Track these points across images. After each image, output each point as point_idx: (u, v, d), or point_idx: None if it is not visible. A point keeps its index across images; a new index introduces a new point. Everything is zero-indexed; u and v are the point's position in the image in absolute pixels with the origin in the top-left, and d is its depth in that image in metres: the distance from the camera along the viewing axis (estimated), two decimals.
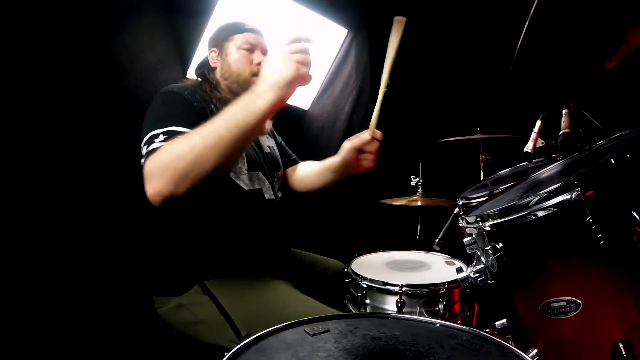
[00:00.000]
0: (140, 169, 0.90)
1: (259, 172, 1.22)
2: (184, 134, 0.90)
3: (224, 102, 1.16)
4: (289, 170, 1.46)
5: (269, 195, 1.23)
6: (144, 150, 0.91)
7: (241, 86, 1.20)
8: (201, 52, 1.67)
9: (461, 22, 2.37)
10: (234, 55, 1.21)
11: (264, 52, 1.24)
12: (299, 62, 0.84)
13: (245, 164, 1.17)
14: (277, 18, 1.87)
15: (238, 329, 1.01)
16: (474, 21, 2.33)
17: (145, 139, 0.92)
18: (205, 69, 1.26)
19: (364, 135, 1.16)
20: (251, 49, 1.22)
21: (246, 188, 1.16)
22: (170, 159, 0.83)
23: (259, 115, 0.83)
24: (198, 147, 0.81)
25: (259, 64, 1.20)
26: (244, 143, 0.86)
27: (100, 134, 1.38)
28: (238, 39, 1.22)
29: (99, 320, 1.36)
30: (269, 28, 1.29)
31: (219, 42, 1.24)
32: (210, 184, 0.85)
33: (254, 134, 0.87)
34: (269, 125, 1.38)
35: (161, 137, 0.90)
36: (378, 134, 1.16)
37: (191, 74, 1.68)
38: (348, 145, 1.20)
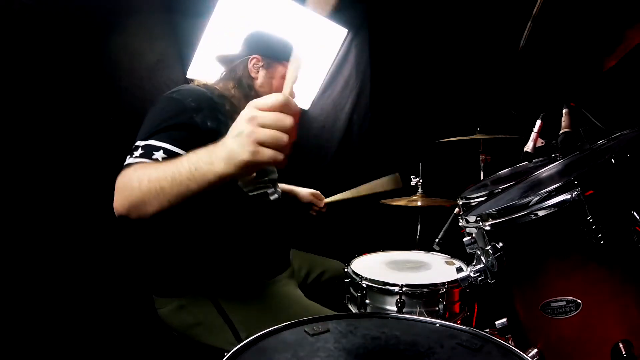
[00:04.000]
0: None
1: (266, 178, 1.21)
2: (160, 149, 0.89)
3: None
4: None
5: (274, 197, 1.23)
6: (126, 160, 0.89)
7: None
8: (201, 52, 1.67)
9: (461, 22, 2.36)
10: (279, 82, 1.18)
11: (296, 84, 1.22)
12: (261, 142, 0.62)
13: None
14: (277, 18, 1.86)
15: (237, 331, 1.01)
16: (474, 21, 2.33)
17: (133, 146, 0.91)
18: (241, 72, 1.19)
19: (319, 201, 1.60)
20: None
21: (250, 193, 1.15)
22: (126, 186, 0.82)
23: (203, 184, 0.72)
24: (143, 188, 0.78)
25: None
26: (185, 198, 0.76)
27: (100, 134, 1.37)
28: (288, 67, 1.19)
29: (99, 320, 1.36)
30: (277, 31, 1.26)
31: (269, 56, 1.19)
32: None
33: (197, 194, 0.75)
34: None
35: (139, 152, 0.88)
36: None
37: (191, 74, 1.68)
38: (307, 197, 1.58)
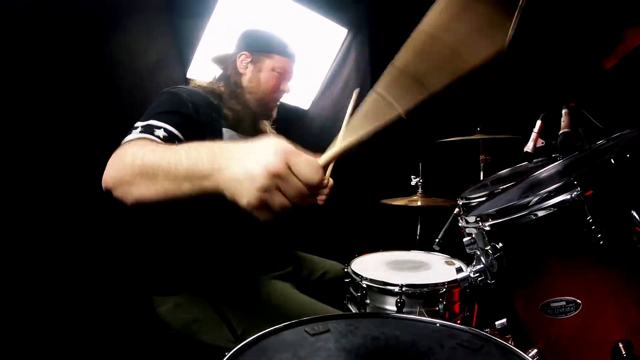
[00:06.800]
0: None
1: None
2: (161, 128, 0.91)
3: (234, 112, 1.15)
4: None
5: None
6: (125, 139, 0.89)
7: (260, 106, 1.19)
8: (201, 52, 1.67)
9: None
10: (268, 74, 1.18)
11: (289, 80, 1.23)
12: (267, 205, 0.57)
13: None
14: (277, 18, 1.87)
15: (234, 328, 1.01)
16: None
17: (132, 127, 0.92)
18: (230, 70, 1.21)
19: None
20: (283, 75, 1.20)
21: None
22: (119, 160, 0.79)
23: (196, 187, 0.65)
24: (135, 167, 0.72)
25: (283, 91, 1.21)
26: (172, 196, 0.68)
27: (100, 134, 1.37)
28: (277, 60, 1.18)
29: (98, 319, 1.36)
30: (268, 28, 1.27)
31: (255, 51, 1.19)
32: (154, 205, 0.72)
33: (183, 195, 0.68)
34: (268, 126, 1.37)
35: (139, 129, 0.90)
36: (330, 181, 1.15)
37: (191, 74, 1.67)
38: None
